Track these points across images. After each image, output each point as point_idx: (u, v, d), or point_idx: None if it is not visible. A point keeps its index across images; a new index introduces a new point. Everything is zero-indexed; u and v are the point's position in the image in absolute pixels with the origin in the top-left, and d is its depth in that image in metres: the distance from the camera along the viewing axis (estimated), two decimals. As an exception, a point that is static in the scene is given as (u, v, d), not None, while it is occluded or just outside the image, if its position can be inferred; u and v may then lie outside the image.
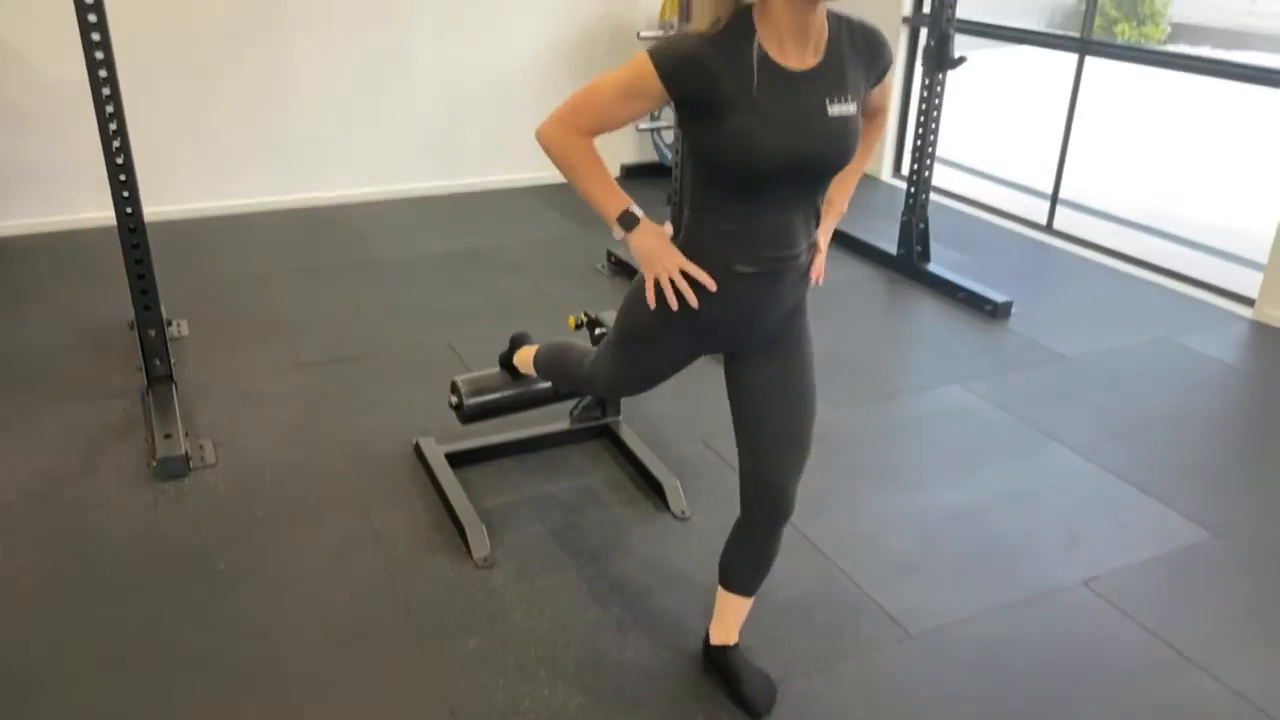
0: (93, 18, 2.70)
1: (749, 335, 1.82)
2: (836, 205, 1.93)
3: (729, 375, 1.90)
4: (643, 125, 5.32)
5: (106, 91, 2.77)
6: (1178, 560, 2.53)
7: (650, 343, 1.88)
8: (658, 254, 1.71)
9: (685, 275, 1.71)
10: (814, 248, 1.81)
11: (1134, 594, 2.39)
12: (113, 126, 2.81)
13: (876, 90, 1.79)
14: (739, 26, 1.58)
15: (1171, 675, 2.15)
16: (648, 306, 1.78)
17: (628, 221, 1.71)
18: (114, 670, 2.07)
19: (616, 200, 1.71)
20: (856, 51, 1.67)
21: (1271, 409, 3.31)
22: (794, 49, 1.60)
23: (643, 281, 1.79)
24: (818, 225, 1.80)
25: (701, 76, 1.56)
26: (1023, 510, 2.71)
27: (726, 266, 1.70)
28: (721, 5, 1.57)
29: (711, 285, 1.70)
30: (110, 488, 2.67)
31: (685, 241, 1.74)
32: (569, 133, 1.67)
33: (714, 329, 1.80)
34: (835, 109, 1.63)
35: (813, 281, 1.83)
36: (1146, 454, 2.99)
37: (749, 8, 1.59)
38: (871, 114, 1.85)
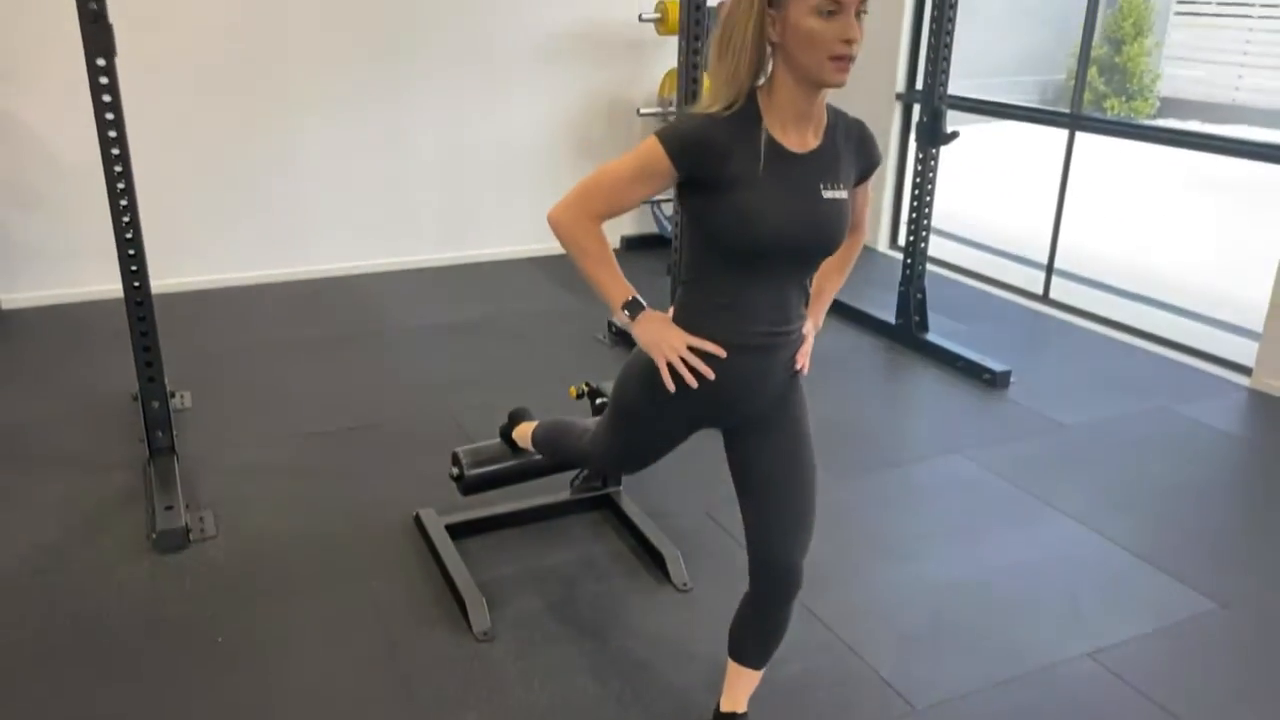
0: (107, 98, 2.77)
1: (745, 410, 1.84)
2: (823, 301, 2.00)
3: (729, 454, 1.92)
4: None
5: (118, 169, 2.84)
6: (1184, 632, 2.51)
7: (646, 419, 1.92)
8: (663, 336, 1.75)
9: (694, 349, 1.74)
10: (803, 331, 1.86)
11: (1141, 666, 2.37)
12: (123, 202, 2.87)
13: (860, 195, 1.86)
14: (747, 109, 1.65)
15: (1181, 750, 2.12)
16: (641, 383, 1.83)
17: (633, 309, 1.76)
18: (109, 748, 2.05)
19: (622, 289, 1.76)
20: (849, 142, 1.75)
21: (1274, 478, 3.31)
22: (795, 131, 1.68)
23: (636, 358, 1.84)
24: (806, 303, 1.85)
25: (709, 157, 1.63)
26: (1026, 581, 2.70)
27: (721, 341, 1.74)
28: (736, 90, 1.64)
29: (721, 352, 1.73)
30: (110, 560, 2.66)
31: (680, 315, 1.78)
32: (580, 218, 1.72)
33: (709, 404, 1.82)
34: (829, 193, 1.70)
35: (799, 369, 1.87)
36: (1150, 523, 2.99)
37: (755, 91, 1.66)
38: (852, 225, 1.87)
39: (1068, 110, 4.94)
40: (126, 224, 2.90)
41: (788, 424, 1.88)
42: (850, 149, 1.75)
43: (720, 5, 1.70)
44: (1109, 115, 9.41)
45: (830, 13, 1.56)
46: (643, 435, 1.97)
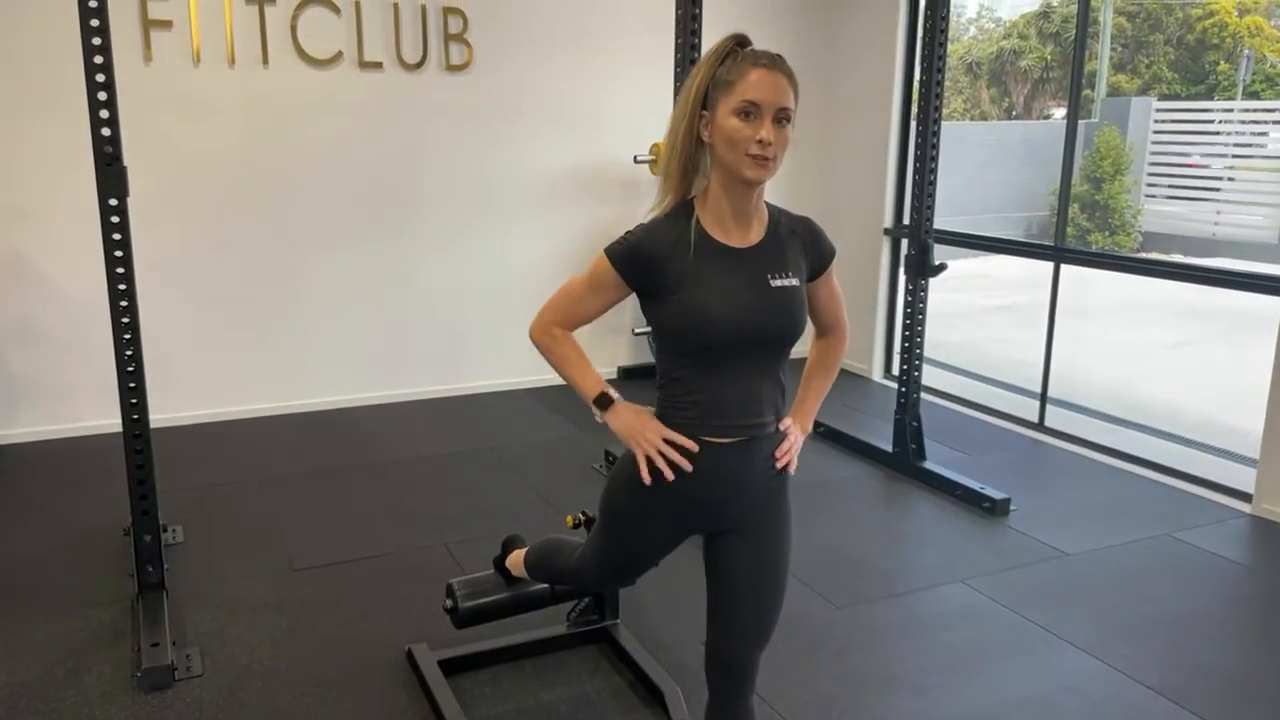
0: (117, 236, 2.85)
1: (728, 510, 1.87)
2: (809, 402, 2.00)
3: (707, 552, 1.93)
4: (639, 329, 5.49)
5: (124, 304, 2.89)
6: (1202, 767, 2.42)
7: (633, 522, 1.96)
8: (638, 427, 1.83)
9: (670, 443, 1.79)
10: (781, 427, 1.88)
11: (1159, 805, 2.28)
12: (126, 336, 2.91)
13: (826, 293, 1.92)
14: (681, 211, 1.78)
15: None
16: (626, 487, 1.87)
17: (603, 402, 1.86)
18: None
19: (593, 383, 1.86)
20: (794, 236, 1.85)
21: (1277, 604, 3.26)
22: (736, 229, 1.78)
23: (622, 467, 1.89)
24: (783, 399, 1.88)
25: (651, 263, 1.75)
26: (1035, 714, 2.62)
27: (697, 437, 1.79)
28: (672, 188, 1.78)
29: (693, 446, 1.79)
30: (93, 700, 2.59)
31: (658, 416, 1.85)
32: (549, 326, 1.88)
33: (694, 505, 1.86)
34: (778, 281, 1.79)
35: (782, 466, 1.87)
36: (1158, 653, 2.92)
37: (692, 198, 1.78)
38: (827, 326, 1.97)
39: (1052, 244, 5.07)
40: (129, 357, 2.93)
41: (768, 534, 1.89)
42: (796, 242, 1.84)
43: None
44: (1093, 248, 9.66)
45: (748, 114, 1.69)
46: (631, 540, 2.01)
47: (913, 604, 3.21)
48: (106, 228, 2.84)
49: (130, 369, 2.93)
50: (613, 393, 1.86)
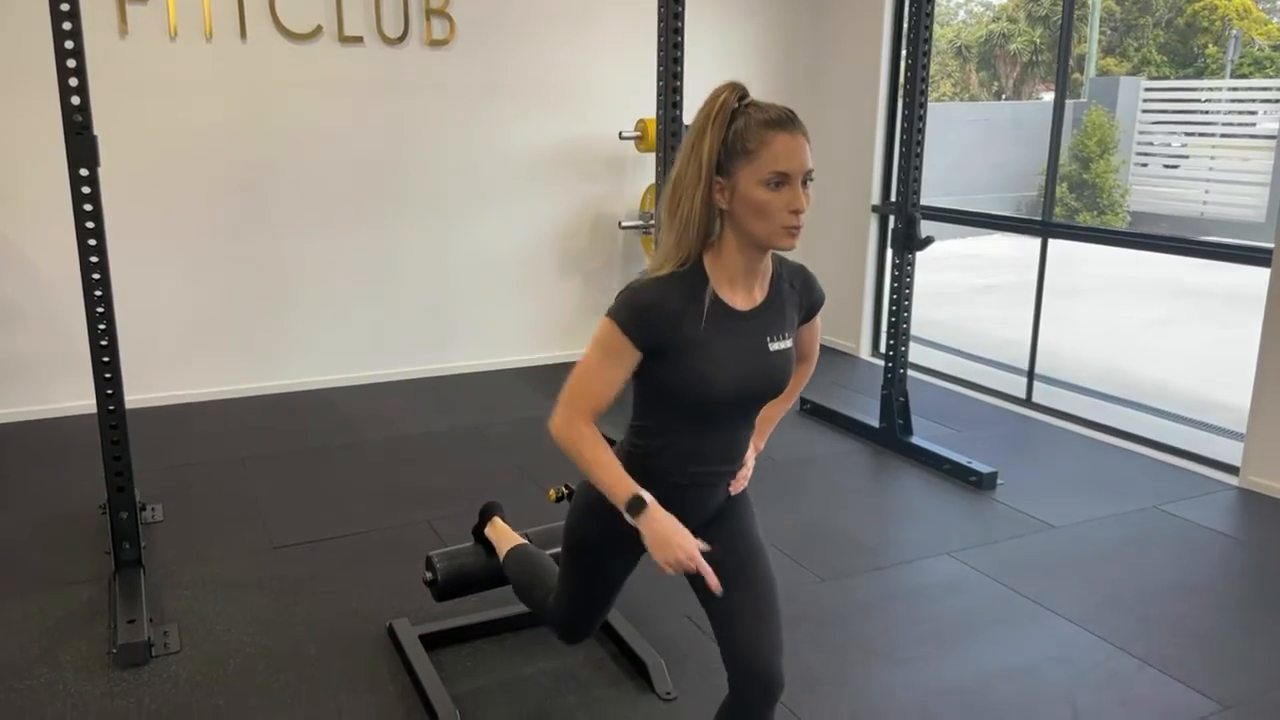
0: (88, 207, 2.80)
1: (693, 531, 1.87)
2: (767, 428, 2.04)
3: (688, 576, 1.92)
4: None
5: (97, 276, 2.84)
6: (1188, 734, 2.41)
7: (598, 549, 1.96)
8: (674, 539, 1.70)
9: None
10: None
11: (1145, 771, 2.26)
12: (100, 310, 2.86)
13: (808, 331, 1.93)
14: (694, 271, 1.70)
15: None
16: (586, 518, 1.90)
17: (635, 507, 1.72)
18: None
19: (625, 488, 1.73)
20: (794, 290, 1.83)
21: (1267, 576, 3.25)
22: (743, 288, 1.75)
23: (580, 498, 1.92)
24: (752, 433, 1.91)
25: (662, 323, 1.67)
26: (1022, 684, 2.60)
27: (666, 481, 1.79)
28: (684, 253, 1.69)
29: (717, 588, 1.72)
30: (68, 677, 2.55)
31: (627, 457, 1.82)
32: (573, 422, 1.73)
33: None
34: (775, 345, 1.77)
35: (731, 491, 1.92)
36: (1145, 624, 2.91)
37: (702, 253, 1.71)
38: (801, 357, 1.95)
39: (1040, 219, 5.05)
40: (103, 331, 2.89)
41: (735, 533, 1.90)
42: (794, 297, 1.83)
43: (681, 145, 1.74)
44: (1078, 214, 9.64)
45: (778, 184, 1.62)
46: (599, 569, 2.00)
47: (898, 576, 3.19)
48: (77, 198, 2.79)
49: (103, 341, 2.88)
50: (646, 496, 1.73)
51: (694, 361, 1.69)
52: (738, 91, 1.67)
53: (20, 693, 2.48)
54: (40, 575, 3.10)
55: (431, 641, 2.67)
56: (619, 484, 1.74)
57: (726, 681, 1.85)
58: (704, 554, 1.76)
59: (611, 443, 1.82)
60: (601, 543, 1.93)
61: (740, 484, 1.92)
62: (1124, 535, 3.49)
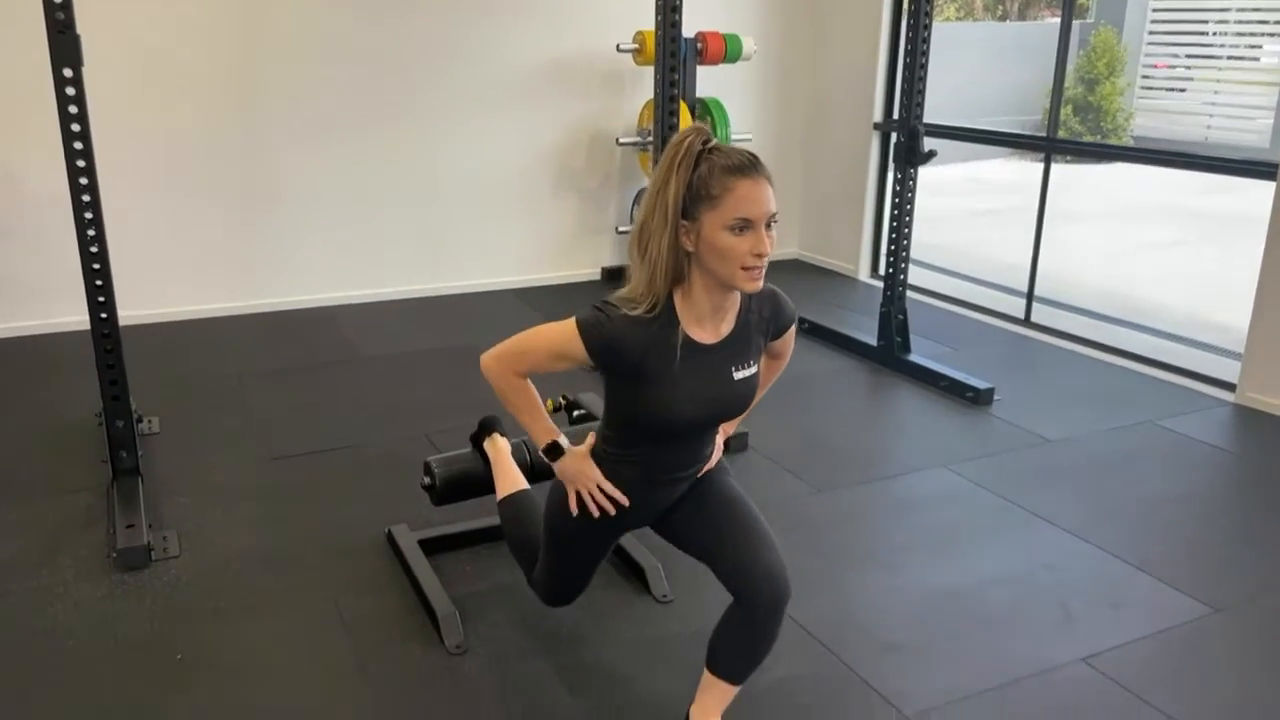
0: (73, 109, 2.73)
1: (659, 512, 2.02)
2: (728, 429, 2.15)
3: (671, 539, 2.04)
4: (622, 228, 5.40)
5: (84, 181, 2.79)
6: (1180, 636, 2.44)
7: (575, 540, 2.05)
8: (579, 475, 1.90)
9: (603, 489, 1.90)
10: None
11: (1138, 671, 2.29)
12: (89, 214, 2.81)
13: (779, 342, 1.99)
14: (665, 312, 1.75)
15: (1181, 752, 2.04)
16: (564, 519, 1.98)
17: (553, 452, 1.90)
18: (56, 766, 1.94)
19: (544, 432, 1.91)
20: (762, 319, 1.88)
21: (1261, 487, 3.27)
22: (710, 323, 1.80)
23: (555, 488, 2.01)
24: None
25: (625, 357, 1.73)
26: (1014, 589, 2.63)
27: (631, 482, 1.89)
28: (654, 295, 1.73)
29: (625, 501, 1.90)
30: (68, 580, 2.56)
31: (597, 459, 1.92)
32: (505, 373, 1.86)
33: (628, 520, 2.00)
34: (739, 374, 1.84)
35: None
36: (1138, 532, 2.93)
37: (672, 292, 1.76)
38: (775, 356, 2.05)
39: (1044, 135, 4.97)
40: (92, 238, 2.84)
41: (711, 488, 1.99)
42: (763, 324, 1.88)
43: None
44: (1083, 140, 9.51)
45: (741, 229, 1.66)
46: (579, 554, 2.09)
47: (893, 488, 3.21)
48: (62, 100, 2.72)
49: (93, 248, 2.84)
50: (562, 441, 1.91)
51: (659, 391, 1.75)
52: (702, 135, 1.70)
53: (21, 595, 2.50)
54: (37, 483, 3.10)
55: (430, 547, 2.68)
56: (540, 429, 1.90)
57: (729, 592, 1.87)
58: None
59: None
60: (578, 533, 2.01)
61: (709, 466, 2.01)
62: (1120, 449, 3.50)
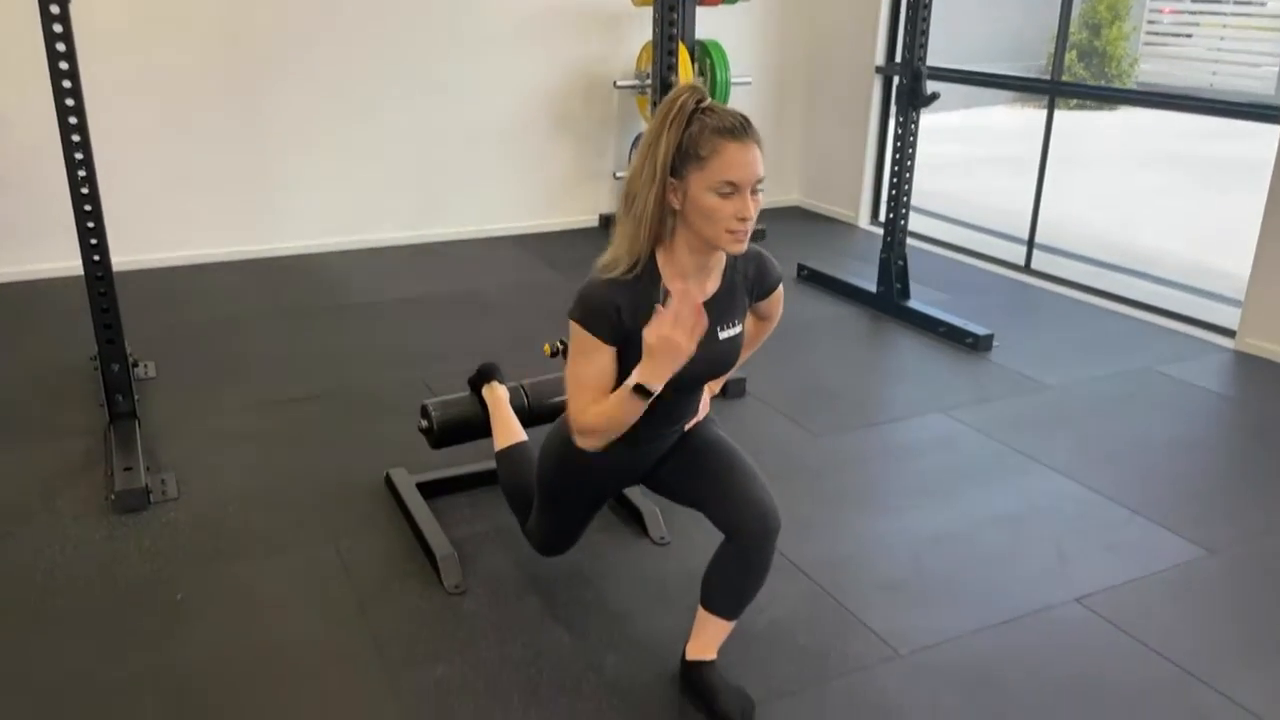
0: (61, 46, 2.68)
1: (648, 469, 2.04)
2: (715, 386, 2.19)
3: (663, 491, 2.07)
4: (620, 173, 5.34)
5: (74, 131, 2.74)
6: (1174, 577, 2.45)
7: (566, 496, 2.09)
8: (668, 349, 1.66)
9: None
10: None
11: (1131, 611, 2.31)
12: (79, 155, 2.77)
13: (766, 303, 2.00)
14: (647, 270, 1.76)
15: (1178, 692, 2.06)
16: (560, 470, 2.02)
17: (641, 392, 1.70)
18: (62, 700, 1.95)
19: (626, 388, 1.72)
20: (747, 279, 1.90)
21: (1258, 432, 3.27)
22: (695, 283, 1.80)
23: (549, 442, 2.04)
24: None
25: (617, 317, 1.74)
26: (1010, 531, 2.64)
27: (618, 443, 1.84)
28: (636, 253, 1.74)
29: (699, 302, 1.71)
30: (66, 523, 2.57)
31: None
32: (593, 414, 1.77)
33: (619, 478, 2.08)
34: (724, 333, 1.86)
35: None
36: (1135, 476, 2.94)
37: (655, 251, 1.76)
38: (763, 317, 2.06)
39: (1048, 78, 4.90)
40: (83, 179, 2.80)
41: (699, 439, 2.01)
42: (748, 284, 1.90)
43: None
44: (1087, 83, 9.39)
45: (727, 193, 1.67)
46: (571, 508, 2.13)
47: (891, 433, 3.21)
48: (49, 37, 2.67)
49: (84, 189, 2.80)
50: (633, 379, 1.72)
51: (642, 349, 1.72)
52: (696, 95, 1.70)
53: (19, 537, 2.51)
54: (34, 426, 3.10)
55: (429, 490, 2.69)
56: (625, 392, 1.72)
57: (721, 531, 1.90)
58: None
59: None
60: (572, 489, 2.05)
61: (697, 419, 2.03)
62: (1119, 394, 3.50)
